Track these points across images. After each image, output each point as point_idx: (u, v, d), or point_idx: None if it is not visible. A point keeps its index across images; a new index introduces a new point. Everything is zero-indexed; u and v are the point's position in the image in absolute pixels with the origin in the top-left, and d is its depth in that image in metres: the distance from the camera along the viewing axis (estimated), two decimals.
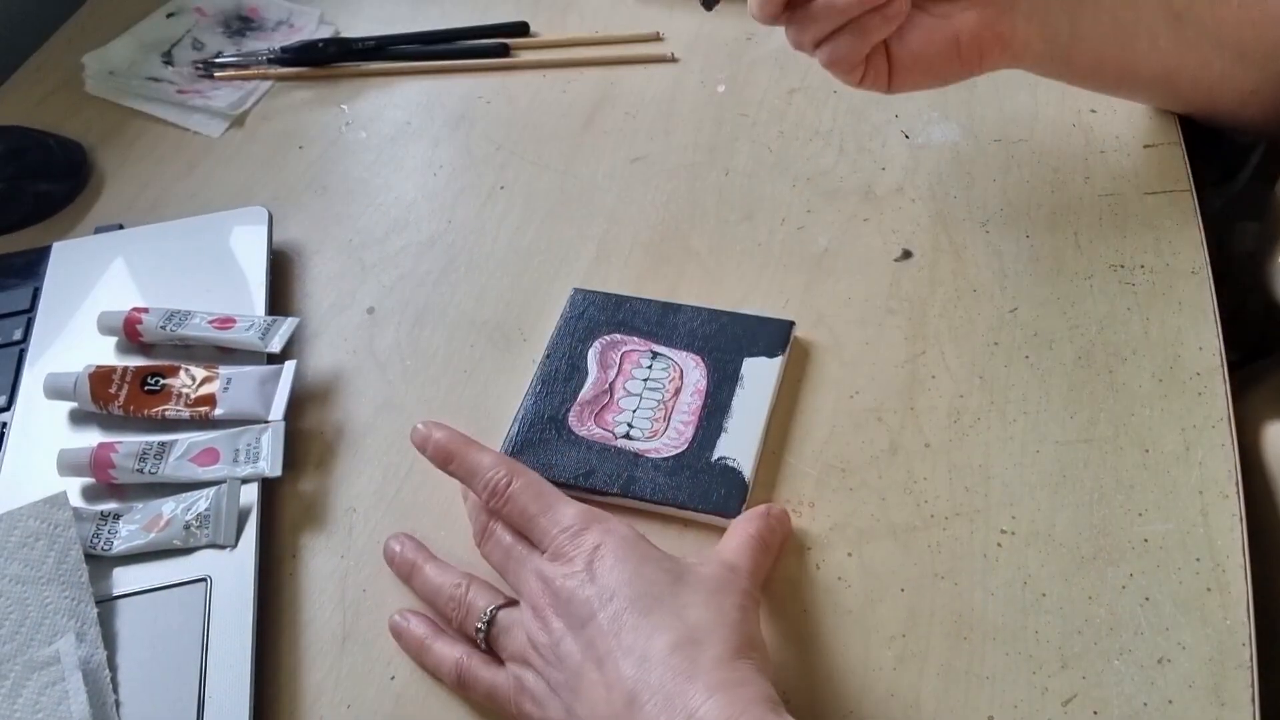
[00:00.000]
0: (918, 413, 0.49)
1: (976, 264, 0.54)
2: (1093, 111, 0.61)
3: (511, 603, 0.41)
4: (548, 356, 0.51)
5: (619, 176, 0.62)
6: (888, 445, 0.48)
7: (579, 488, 0.46)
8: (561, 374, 0.50)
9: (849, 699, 0.40)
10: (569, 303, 0.54)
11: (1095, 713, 0.39)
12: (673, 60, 0.70)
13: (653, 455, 0.47)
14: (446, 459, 0.44)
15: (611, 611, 0.37)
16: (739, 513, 0.45)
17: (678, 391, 0.50)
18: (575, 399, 0.49)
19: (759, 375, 0.50)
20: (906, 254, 0.55)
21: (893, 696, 0.40)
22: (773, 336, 0.51)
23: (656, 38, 0.72)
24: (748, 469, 0.46)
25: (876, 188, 0.59)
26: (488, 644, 0.41)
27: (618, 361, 0.51)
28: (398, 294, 0.57)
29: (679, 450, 0.47)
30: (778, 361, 0.50)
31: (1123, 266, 0.53)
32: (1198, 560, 0.42)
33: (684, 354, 0.51)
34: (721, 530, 0.44)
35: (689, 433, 0.48)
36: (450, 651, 0.41)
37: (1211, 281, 0.52)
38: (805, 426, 0.49)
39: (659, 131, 0.65)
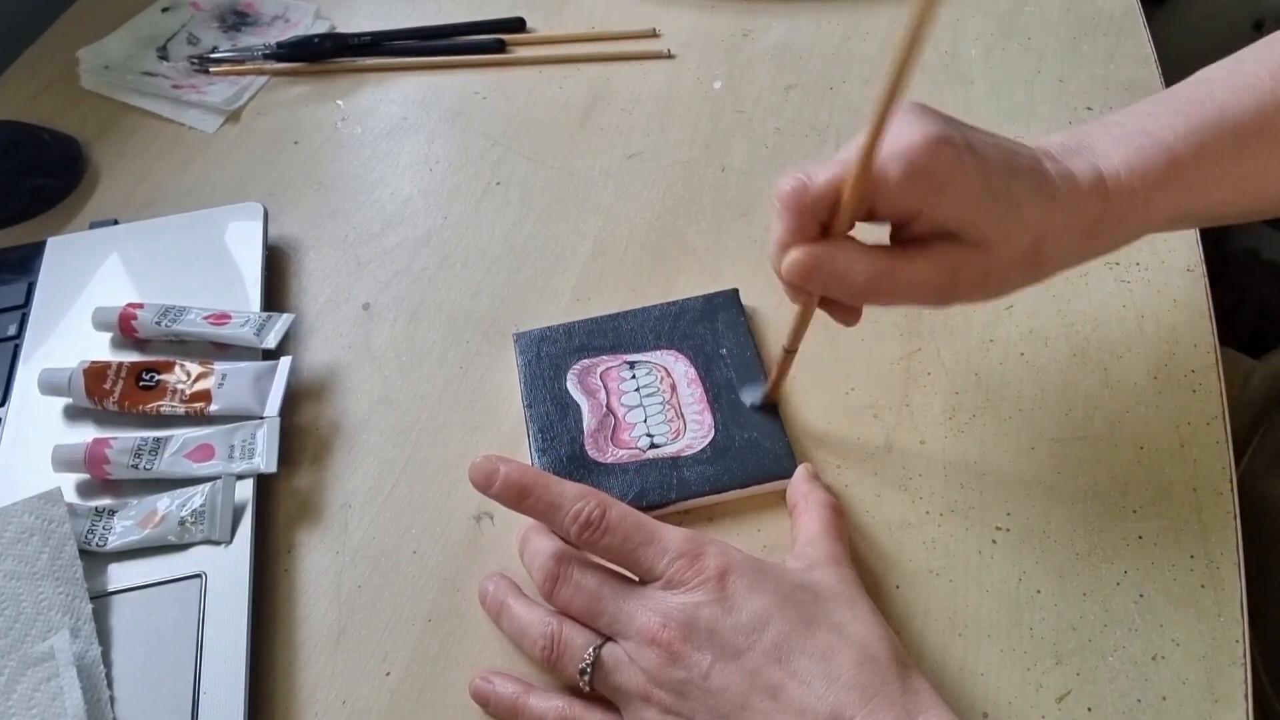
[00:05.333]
0: (913, 409, 0.49)
1: None
2: (1088, 109, 0.61)
3: (609, 640, 0.39)
4: (529, 406, 0.50)
5: (615, 173, 0.62)
6: (883, 442, 0.48)
7: (639, 509, 0.42)
8: (554, 416, 0.49)
9: None
10: (517, 349, 0.52)
11: (1089, 709, 0.39)
12: (669, 57, 0.70)
13: (688, 453, 0.47)
14: (522, 494, 0.41)
15: (771, 638, 0.36)
16: (793, 469, 0.45)
17: (674, 388, 0.50)
18: (582, 433, 0.48)
19: (738, 342, 0.51)
20: None
21: None
22: (727, 307, 0.52)
23: (653, 34, 0.72)
24: (780, 426, 0.47)
25: None
26: (593, 686, 0.39)
27: (601, 383, 0.50)
28: (393, 290, 0.57)
29: (710, 438, 0.47)
30: (743, 323, 0.52)
31: (1118, 264, 0.53)
32: (1191, 557, 0.42)
33: (659, 353, 0.51)
34: (771, 497, 0.45)
35: (709, 419, 0.48)
36: (549, 704, 0.39)
37: (1207, 279, 0.52)
38: (801, 423, 0.49)
39: (655, 128, 0.65)
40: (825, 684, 0.35)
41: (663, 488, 0.46)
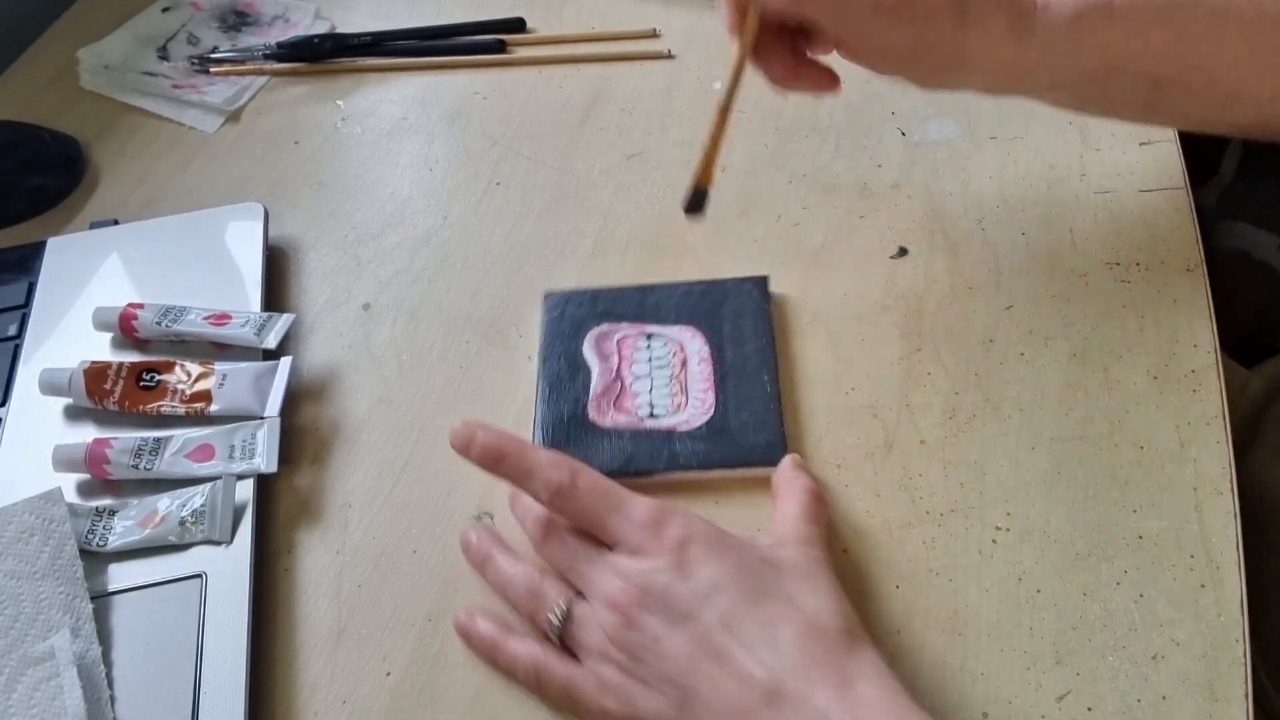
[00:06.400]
0: (913, 409, 0.49)
1: (972, 261, 0.54)
2: None
3: (581, 598, 0.41)
4: (544, 361, 0.51)
5: (615, 173, 0.62)
6: (883, 442, 0.48)
7: (624, 474, 0.45)
8: (564, 375, 0.50)
9: None
10: (543, 307, 0.54)
11: (1089, 709, 0.39)
12: (669, 57, 0.70)
13: (684, 427, 0.48)
14: (497, 459, 0.42)
15: (721, 606, 0.37)
16: (782, 457, 0.46)
17: (685, 364, 0.50)
18: (588, 394, 0.49)
19: (755, 332, 0.51)
20: (902, 251, 0.55)
21: None
22: (754, 293, 0.53)
23: (653, 34, 0.72)
24: (779, 416, 0.48)
25: (872, 184, 0.59)
26: (560, 639, 0.40)
27: (616, 349, 0.51)
28: (393, 290, 0.57)
29: (708, 416, 0.48)
30: (766, 310, 0.52)
31: (1118, 264, 0.53)
32: (1192, 557, 0.42)
33: (677, 328, 0.52)
34: (763, 481, 0.46)
35: (711, 398, 0.49)
36: (526, 648, 0.41)
37: (1207, 279, 0.52)
38: (801, 423, 0.49)
39: (655, 128, 0.65)
40: (768, 651, 0.35)
41: (652, 456, 0.47)
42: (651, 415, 0.48)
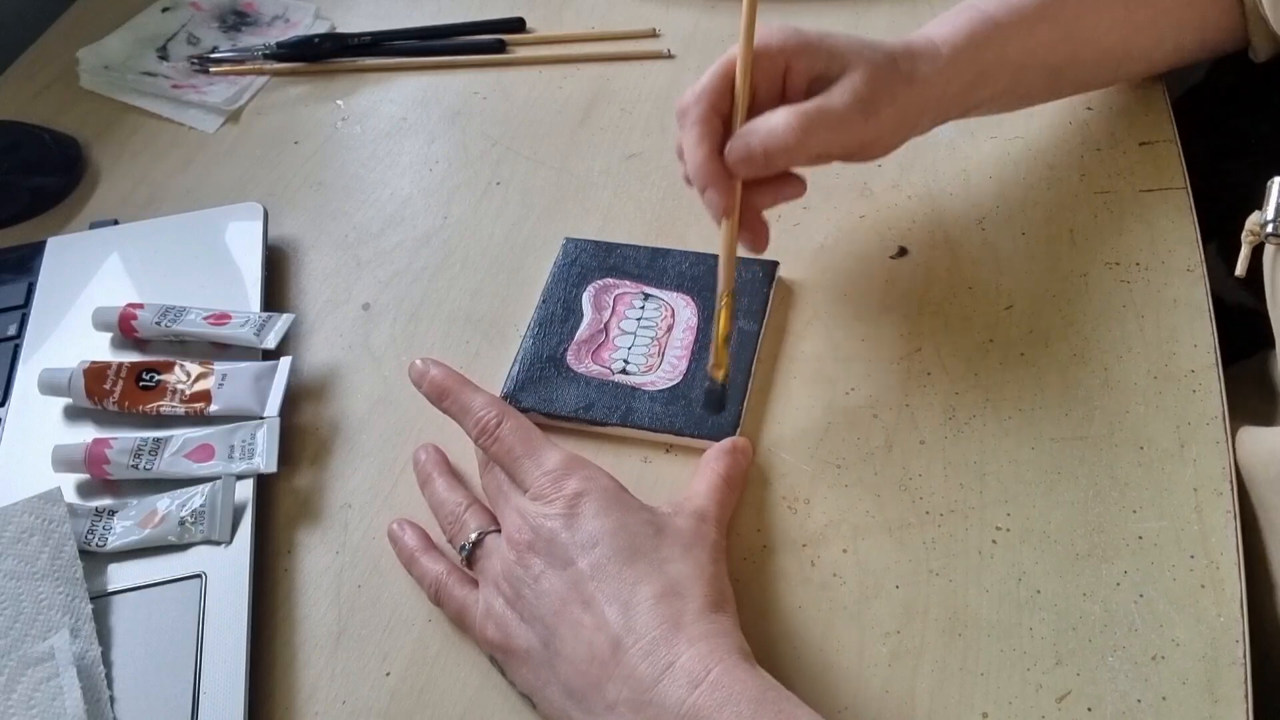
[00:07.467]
0: (913, 409, 0.49)
1: (972, 261, 0.54)
2: (1089, 109, 0.61)
3: (495, 531, 0.43)
4: (543, 301, 0.54)
5: (614, 173, 0.62)
6: (883, 442, 0.48)
7: (580, 420, 0.49)
8: (557, 317, 0.53)
9: (844, 695, 0.40)
10: (561, 251, 0.56)
11: (1089, 709, 0.39)
12: (669, 57, 0.70)
13: (649, 388, 0.49)
14: (441, 395, 0.47)
15: (594, 559, 0.39)
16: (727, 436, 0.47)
17: (670, 329, 0.52)
18: (572, 339, 0.52)
19: (749, 311, 0.52)
20: (902, 251, 0.55)
21: (887, 693, 0.40)
22: (759, 275, 0.53)
23: (653, 34, 0.72)
24: (742, 398, 0.49)
25: (873, 185, 0.59)
26: (469, 564, 0.43)
27: (611, 303, 0.53)
28: (393, 290, 0.57)
29: (674, 382, 0.50)
30: (765, 295, 0.52)
31: (1118, 264, 0.53)
32: (1192, 557, 0.42)
33: (675, 294, 0.53)
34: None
35: (683, 366, 0.50)
36: (433, 566, 0.44)
37: (1207, 279, 0.52)
38: (801, 423, 0.49)
39: (655, 128, 0.65)
40: (620, 609, 0.37)
41: (609, 409, 0.49)
42: (624, 371, 0.50)
